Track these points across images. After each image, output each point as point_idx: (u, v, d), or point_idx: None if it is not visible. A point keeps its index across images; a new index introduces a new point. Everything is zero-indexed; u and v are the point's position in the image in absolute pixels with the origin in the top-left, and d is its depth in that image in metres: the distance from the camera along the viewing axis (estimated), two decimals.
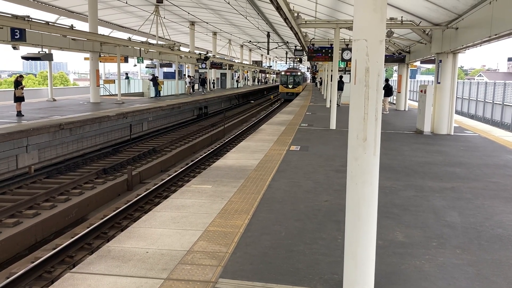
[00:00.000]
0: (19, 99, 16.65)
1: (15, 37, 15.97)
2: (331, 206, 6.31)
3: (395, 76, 44.60)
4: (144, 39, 31.49)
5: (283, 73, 48.05)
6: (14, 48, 17.94)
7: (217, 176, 7.86)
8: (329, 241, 4.96)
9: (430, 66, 53.28)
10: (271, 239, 4.99)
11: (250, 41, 52.55)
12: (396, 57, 22.73)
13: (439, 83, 14.42)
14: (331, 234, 5.18)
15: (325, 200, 6.59)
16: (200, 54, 37.95)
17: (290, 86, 45.60)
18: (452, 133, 14.44)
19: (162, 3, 18.74)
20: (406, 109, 24.36)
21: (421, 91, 15.05)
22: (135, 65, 35.57)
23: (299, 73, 46.66)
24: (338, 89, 24.82)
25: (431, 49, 14.78)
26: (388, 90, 22.46)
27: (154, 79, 31.98)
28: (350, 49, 18.41)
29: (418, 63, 27.14)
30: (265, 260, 4.42)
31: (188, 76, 40.70)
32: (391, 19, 13.77)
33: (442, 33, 13.96)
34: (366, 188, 3.45)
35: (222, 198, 6.52)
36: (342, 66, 25.08)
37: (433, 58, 17.95)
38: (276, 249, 4.69)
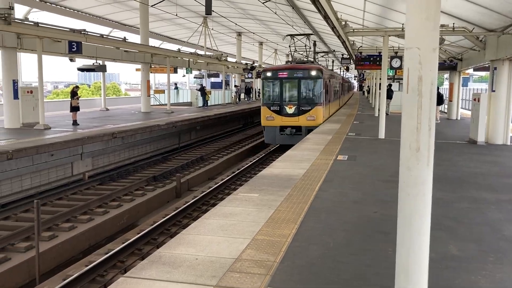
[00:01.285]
0: (74, 108, 17.44)
1: (72, 49, 16.79)
2: (380, 217, 6.18)
3: (446, 84, 41.53)
4: (192, 50, 32.23)
5: (269, 74, 19.23)
6: (71, 60, 18.86)
7: (264, 185, 7.90)
8: (378, 252, 4.87)
9: (483, 73, 51.34)
10: (319, 249, 4.95)
11: (296, 50, 52.55)
12: (448, 65, 22.06)
13: (493, 91, 13.87)
14: (380, 245, 5.08)
15: (374, 211, 6.47)
16: (246, 64, 38.34)
17: (291, 111, 18.72)
18: (509, 143, 13.80)
19: (211, 14, 19.12)
20: (458, 118, 23.54)
21: (475, 100, 14.52)
22: (184, 76, 36.40)
23: (313, 73, 18.94)
24: (387, 98, 24.39)
25: (485, 56, 14.26)
26: (438, 99, 21.82)
27: (202, 89, 32.59)
28: (399, 57, 18.07)
29: (470, 71, 26.22)
30: (313, 270, 4.39)
31: (235, 85, 41.19)
32: (442, 26, 13.41)
33: (497, 39, 13.44)
34: (419, 199, 3.36)
35: (269, 206, 6.54)
36: (390, 74, 24.60)
37: (487, 65, 17.30)
38: (323, 260, 4.65)
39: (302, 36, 26.43)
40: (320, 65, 23.87)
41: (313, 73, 18.86)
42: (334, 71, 29.02)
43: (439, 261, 4.62)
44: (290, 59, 30.51)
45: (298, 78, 18.79)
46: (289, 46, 26.81)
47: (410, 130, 3.37)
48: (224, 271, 4.30)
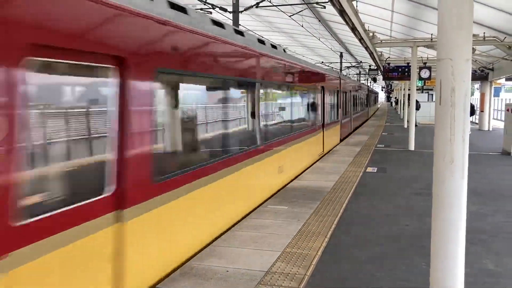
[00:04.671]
0: None
1: None
2: (413, 230, 6.08)
3: (477, 94, 40.21)
4: None
5: None
6: None
7: (293, 197, 7.87)
8: (412, 267, 4.78)
9: None
10: (351, 262, 4.90)
11: (322, 62, 52.36)
12: (479, 75, 21.67)
13: None
14: (414, 259, 4.99)
15: (406, 224, 6.36)
16: None
17: None
18: None
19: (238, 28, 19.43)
20: (490, 129, 23.00)
21: (508, 110, 14.18)
22: None
23: None
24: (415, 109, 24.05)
25: None
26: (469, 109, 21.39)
27: None
28: (428, 67, 17.85)
29: (502, 81, 25.68)
30: (345, 284, 4.34)
31: None
32: (473, 35, 13.19)
33: None
34: (454, 212, 3.30)
35: (298, 219, 6.51)
36: (419, 84, 24.28)
37: None
38: (356, 274, 4.59)
39: None
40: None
41: None
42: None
43: (475, 276, 4.50)
44: None
45: None
46: None
47: (444, 142, 3.33)
48: (255, 283, 4.30)
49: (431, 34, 14.36)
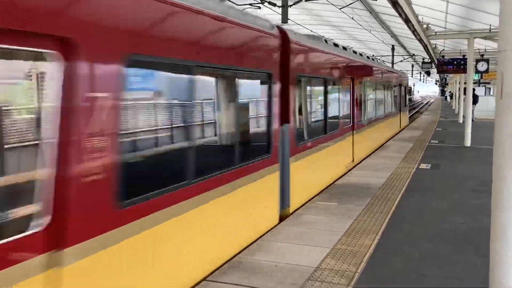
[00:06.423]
0: None
1: None
2: (468, 229, 5.84)
3: None
4: None
5: None
6: None
7: (341, 194, 7.77)
8: (467, 266, 4.60)
9: None
10: (402, 261, 4.77)
11: (373, 55, 51.27)
12: None
13: None
14: (469, 259, 4.80)
15: (460, 223, 6.13)
16: None
17: None
18: None
19: (287, 23, 19.21)
20: None
21: None
22: None
23: None
24: (472, 103, 23.02)
25: None
26: None
27: None
28: (486, 60, 17.07)
29: None
30: (397, 282, 4.24)
31: None
32: None
33: None
34: None
35: (348, 216, 6.42)
36: (476, 78, 23.25)
37: None
38: (408, 272, 4.48)
39: None
40: None
41: None
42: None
43: None
44: None
45: None
46: None
47: (504, 137, 3.18)
48: (304, 279, 4.28)
49: (490, 25, 13.69)
